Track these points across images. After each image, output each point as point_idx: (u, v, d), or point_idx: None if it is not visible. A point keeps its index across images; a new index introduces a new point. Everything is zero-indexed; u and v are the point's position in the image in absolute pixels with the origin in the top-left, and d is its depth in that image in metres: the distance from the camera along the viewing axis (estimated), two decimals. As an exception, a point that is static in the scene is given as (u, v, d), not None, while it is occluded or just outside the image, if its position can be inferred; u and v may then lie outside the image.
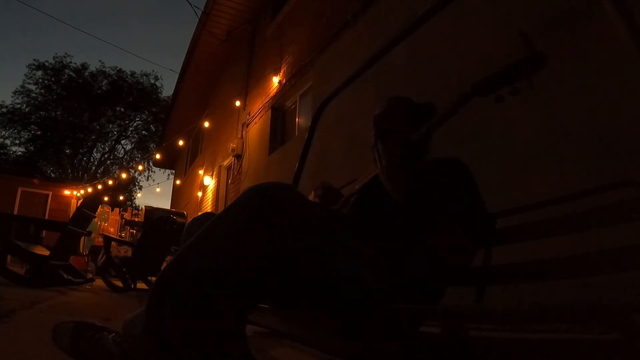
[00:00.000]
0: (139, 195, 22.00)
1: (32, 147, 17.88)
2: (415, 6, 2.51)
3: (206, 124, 8.18)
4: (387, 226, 0.94)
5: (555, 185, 1.64)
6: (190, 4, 6.29)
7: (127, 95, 19.05)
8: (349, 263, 0.76)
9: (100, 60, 34.80)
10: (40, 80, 17.76)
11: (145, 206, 7.82)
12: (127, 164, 19.29)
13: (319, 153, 3.62)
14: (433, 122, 0.86)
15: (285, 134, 5.41)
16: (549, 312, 0.52)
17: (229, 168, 6.76)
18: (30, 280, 3.02)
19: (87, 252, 7.91)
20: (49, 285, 3.03)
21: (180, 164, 12.21)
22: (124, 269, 3.84)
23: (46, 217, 9.55)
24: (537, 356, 0.57)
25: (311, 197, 1.23)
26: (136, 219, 9.70)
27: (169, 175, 17.19)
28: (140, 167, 15.96)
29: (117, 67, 21.02)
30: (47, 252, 3.31)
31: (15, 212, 9.06)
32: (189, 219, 1.95)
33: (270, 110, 5.50)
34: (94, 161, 19.48)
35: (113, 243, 4.58)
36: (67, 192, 10.46)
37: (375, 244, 0.83)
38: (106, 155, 19.70)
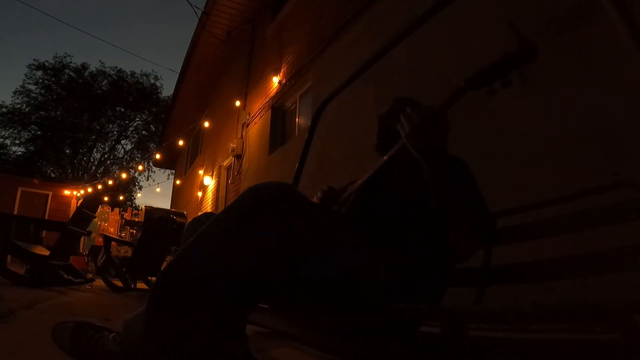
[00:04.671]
0: (139, 195, 22.07)
1: (32, 147, 17.89)
2: (415, 6, 2.52)
3: (206, 124, 8.18)
4: (387, 225, 0.94)
5: (555, 185, 1.64)
6: (190, 4, 6.30)
7: (127, 95, 19.05)
8: (348, 262, 0.76)
9: (100, 60, 34.88)
10: (40, 80, 17.78)
11: (145, 206, 7.82)
12: (127, 164, 19.30)
13: (319, 153, 3.61)
14: (429, 117, 0.85)
15: (285, 134, 5.40)
16: (549, 312, 0.52)
17: (229, 168, 6.76)
18: (30, 280, 3.02)
19: (87, 252, 7.92)
20: (49, 285, 3.03)
21: (180, 164, 12.21)
22: (124, 269, 3.84)
23: (46, 217, 9.55)
24: (537, 356, 0.57)
25: (314, 200, 1.23)
26: (136, 219, 9.71)
27: (169, 175, 17.20)
28: (140, 167, 15.99)
29: (117, 67, 21.07)
30: (47, 252, 3.31)
31: (15, 212, 9.05)
32: (189, 219, 1.96)
33: (270, 110, 5.50)
34: (94, 161, 19.51)
35: (113, 243, 4.58)
36: (67, 192, 10.46)
37: (375, 244, 0.83)
38: (106, 155, 19.73)
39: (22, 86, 17.61)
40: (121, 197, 15.13)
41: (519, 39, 0.73)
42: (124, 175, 11.52)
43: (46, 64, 17.91)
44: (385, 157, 1.02)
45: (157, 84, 20.15)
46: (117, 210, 10.95)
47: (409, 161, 1.01)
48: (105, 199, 11.04)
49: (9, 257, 3.18)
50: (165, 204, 26.95)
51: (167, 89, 29.12)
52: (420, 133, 0.83)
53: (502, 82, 0.77)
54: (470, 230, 0.85)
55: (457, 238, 0.85)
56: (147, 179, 19.57)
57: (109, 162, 19.70)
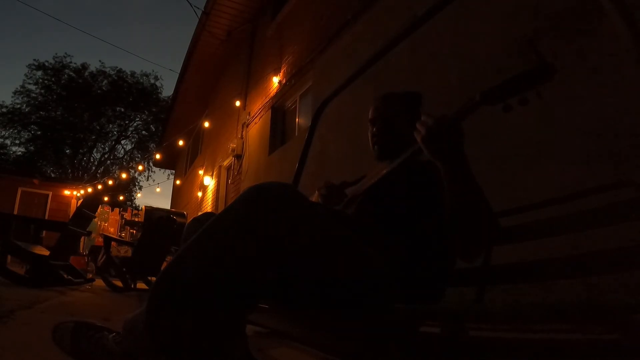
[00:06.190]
0: (139, 195, 22.05)
1: (32, 147, 17.89)
2: (416, 6, 2.52)
3: (206, 124, 8.18)
4: (389, 227, 0.94)
5: (555, 185, 1.64)
6: (190, 4, 6.30)
7: (127, 95, 19.05)
8: (349, 263, 0.76)
9: (100, 60, 34.87)
10: (40, 80, 17.78)
11: (145, 206, 7.81)
12: (127, 164, 19.30)
13: (319, 153, 3.61)
14: (445, 122, 0.86)
15: (285, 134, 5.40)
16: (549, 312, 0.52)
17: (229, 168, 6.76)
18: (30, 280, 3.02)
19: (87, 252, 7.92)
20: (49, 285, 3.03)
21: (180, 164, 12.21)
22: (124, 269, 3.84)
23: (46, 217, 9.55)
24: (537, 356, 0.57)
25: (315, 197, 1.23)
26: (136, 219, 9.72)
27: (169, 175, 17.20)
28: (140, 167, 15.99)
29: (117, 67, 21.09)
30: (47, 252, 3.31)
31: (15, 212, 9.06)
32: (189, 219, 1.96)
33: (270, 110, 5.50)
34: (94, 161, 19.51)
35: (113, 243, 4.58)
36: (67, 192, 10.46)
37: (376, 244, 0.83)
38: (106, 155, 19.73)
39: (22, 86, 17.63)
40: (121, 197, 15.14)
41: (537, 57, 0.73)
42: (124, 175, 11.52)
43: (46, 64, 17.93)
44: (396, 162, 1.03)
45: (157, 84, 20.18)
46: (117, 210, 10.95)
47: (417, 167, 1.02)
48: (105, 199, 11.05)
49: (9, 257, 3.18)
50: (165, 204, 26.99)
51: (167, 89, 29.10)
52: (437, 136, 0.84)
53: (519, 99, 0.77)
54: (486, 232, 0.86)
55: (473, 239, 0.85)
56: (147, 179, 19.60)
57: (109, 162, 19.72)
